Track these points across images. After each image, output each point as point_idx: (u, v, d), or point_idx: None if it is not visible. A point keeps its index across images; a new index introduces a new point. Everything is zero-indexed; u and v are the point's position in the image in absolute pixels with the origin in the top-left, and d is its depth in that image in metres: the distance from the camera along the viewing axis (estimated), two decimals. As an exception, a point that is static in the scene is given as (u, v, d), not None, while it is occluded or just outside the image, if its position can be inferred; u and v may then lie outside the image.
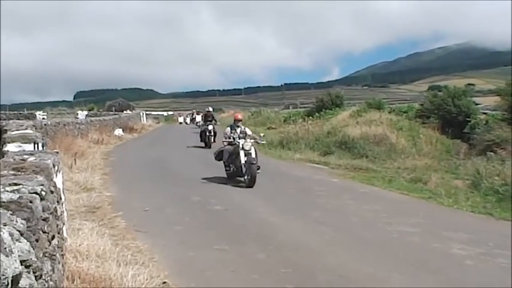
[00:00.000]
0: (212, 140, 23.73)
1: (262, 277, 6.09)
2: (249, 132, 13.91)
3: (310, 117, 33.88)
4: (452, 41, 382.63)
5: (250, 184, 12.26)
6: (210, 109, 27.35)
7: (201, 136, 24.52)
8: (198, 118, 41.77)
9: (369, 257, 7.00)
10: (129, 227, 8.21)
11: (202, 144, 23.88)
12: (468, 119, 27.80)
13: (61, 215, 5.16)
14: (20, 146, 6.62)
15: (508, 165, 12.66)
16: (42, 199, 3.32)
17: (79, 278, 5.05)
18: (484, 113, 30.56)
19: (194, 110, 41.59)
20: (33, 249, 2.62)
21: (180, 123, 55.08)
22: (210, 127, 24.21)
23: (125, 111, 48.64)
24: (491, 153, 16.74)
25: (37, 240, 2.93)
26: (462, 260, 6.85)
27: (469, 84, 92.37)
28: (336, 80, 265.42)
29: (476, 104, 34.31)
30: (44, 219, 3.35)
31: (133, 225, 8.33)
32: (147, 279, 5.51)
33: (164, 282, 5.62)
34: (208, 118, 25.46)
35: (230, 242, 7.59)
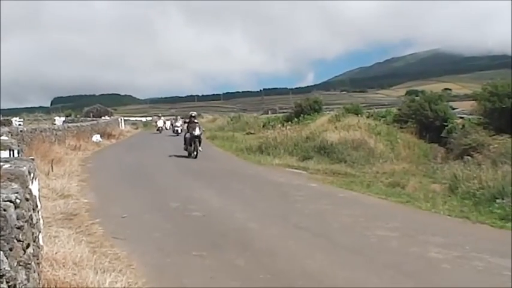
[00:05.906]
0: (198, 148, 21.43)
1: (241, 283, 6.08)
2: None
3: (289, 123, 33.98)
4: (422, 48, 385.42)
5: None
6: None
7: (185, 142, 21.87)
8: (180, 123, 38.80)
9: (347, 261, 7.03)
10: (107, 234, 8.14)
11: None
12: (445, 124, 28.13)
13: (37, 222, 5.08)
14: (-6, 153, 6.51)
15: (485, 169, 12.81)
16: (16, 207, 3.27)
17: (55, 286, 4.98)
18: (461, 118, 30.92)
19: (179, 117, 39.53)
20: (7, 258, 2.59)
21: (158, 129, 44.51)
22: (197, 131, 21.35)
23: (102, 117, 48.51)
24: (468, 157, 16.95)
25: (11, 249, 2.88)
26: (439, 263, 6.91)
27: (445, 89, 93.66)
28: (314, 85, 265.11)
29: (453, 109, 34.80)
30: (18, 228, 3.29)
31: (111, 232, 8.26)
32: (124, 287, 5.46)
33: (142, 290, 5.58)
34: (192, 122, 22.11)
35: (209, 248, 7.56)
